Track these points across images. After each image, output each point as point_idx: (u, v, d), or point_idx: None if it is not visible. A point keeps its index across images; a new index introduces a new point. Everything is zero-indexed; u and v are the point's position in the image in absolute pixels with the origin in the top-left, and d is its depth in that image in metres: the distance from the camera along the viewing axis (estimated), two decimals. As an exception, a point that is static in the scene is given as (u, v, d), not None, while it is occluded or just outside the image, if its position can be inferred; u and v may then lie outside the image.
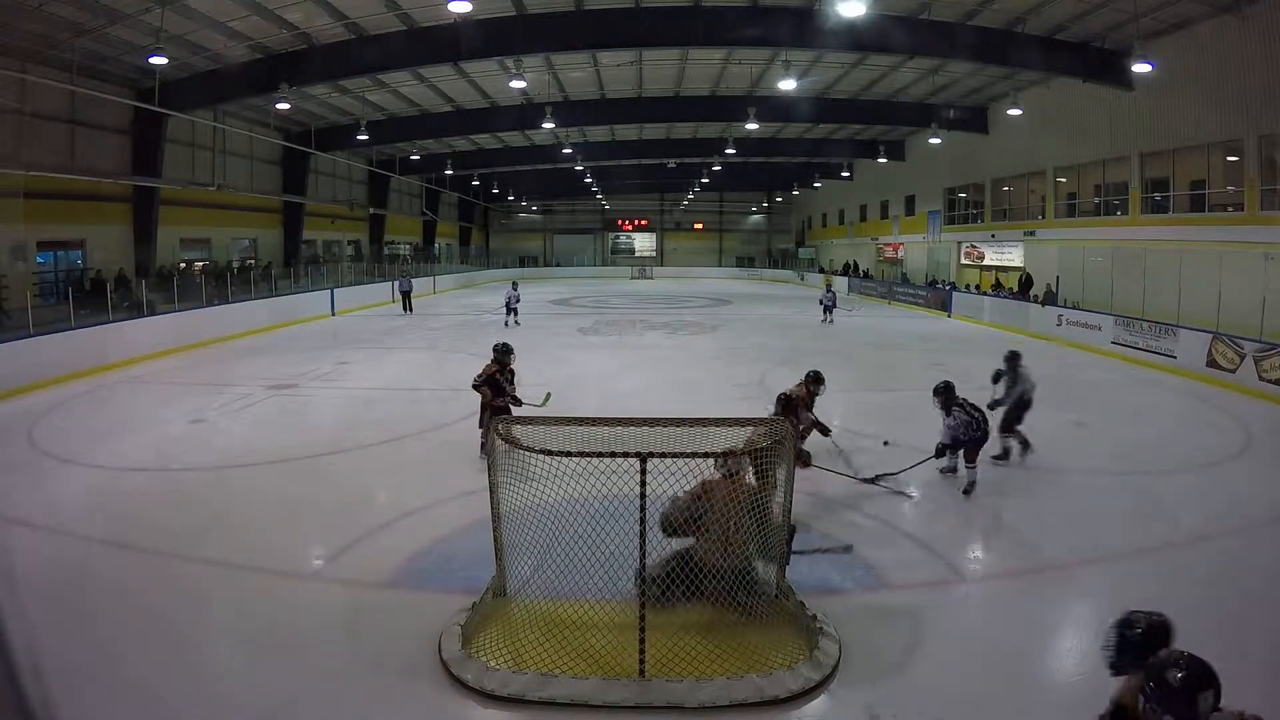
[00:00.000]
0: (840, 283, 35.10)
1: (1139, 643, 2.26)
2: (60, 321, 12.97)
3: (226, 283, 19.97)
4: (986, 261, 26.45)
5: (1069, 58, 16.63)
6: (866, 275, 34.18)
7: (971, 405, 6.85)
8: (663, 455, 4.01)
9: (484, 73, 20.61)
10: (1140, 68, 13.85)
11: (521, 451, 4.19)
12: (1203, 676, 2.05)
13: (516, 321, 20.19)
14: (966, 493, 6.76)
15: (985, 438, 6.79)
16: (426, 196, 39.30)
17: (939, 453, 7.04)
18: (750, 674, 3.82)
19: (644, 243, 52.31)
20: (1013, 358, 8.12)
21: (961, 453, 6.91)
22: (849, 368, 13.98)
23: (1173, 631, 2.17)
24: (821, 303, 21.57)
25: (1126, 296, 16.29)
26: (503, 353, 7.73)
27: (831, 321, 20.78)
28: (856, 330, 20.15)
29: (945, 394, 6.91)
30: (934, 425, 9.58)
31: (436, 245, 41.91)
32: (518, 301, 20.68)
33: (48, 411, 9.92)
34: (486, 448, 5.04)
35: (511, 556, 4.65)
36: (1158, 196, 17.66)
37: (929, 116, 23.09)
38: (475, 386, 7.51)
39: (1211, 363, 12.48)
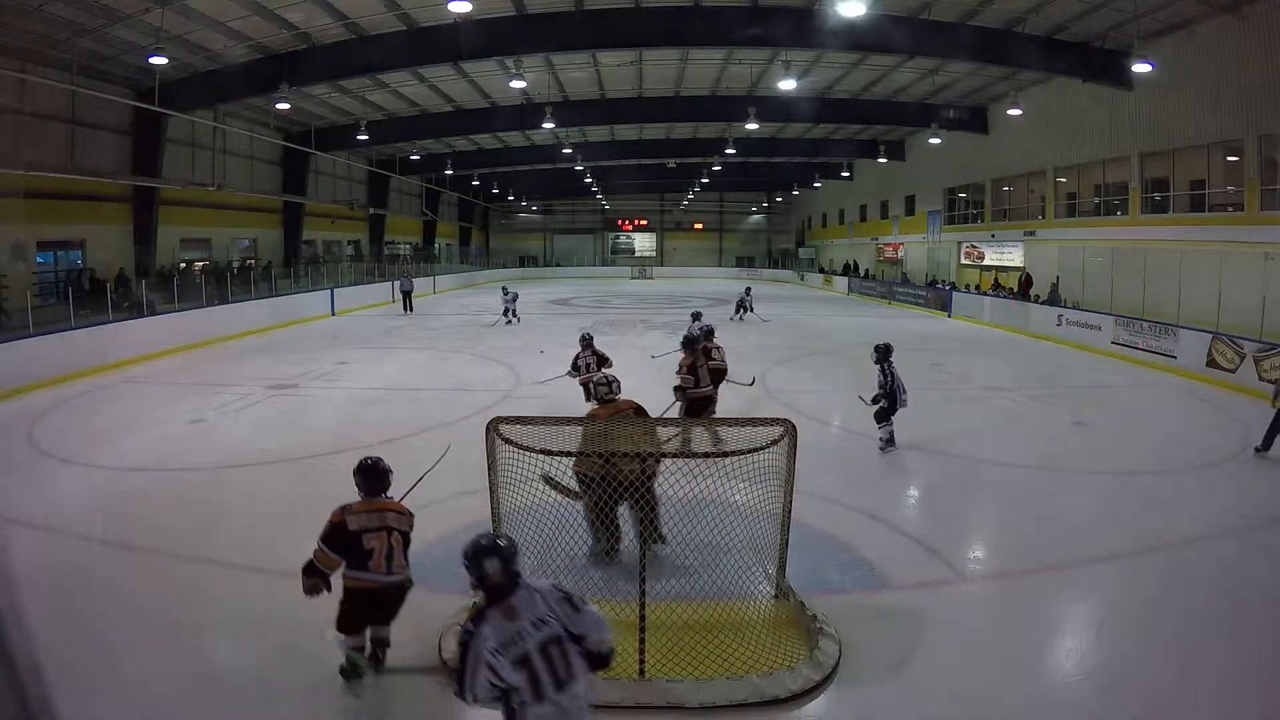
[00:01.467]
0: (840, 282, 35.19)
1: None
2: (60, 321, 12.96)
3: (226, 283, 19.95)
4: (986, 261, 26.45)
5: (1069, 58, 16.63)
6: (867, 275, 34.18)
7: (898, 376, 7.93)
8: (662, 455, 4.02)
9: (484, 73, 20.62)
10: (1140, 68, 13.85)
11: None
12: (486, 549, 2.65)
13: (517, 320, 20.42)
14: (883, 450, 8.01)
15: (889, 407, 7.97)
16: (426, 196, 39.30)
17: (875, 400, 8.09)
18: (750, 674, 3.82)
19: (644, 243, 52.32)
20: (697, 315, 11.17)
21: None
22: (848, 368, 13.98)
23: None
24: (740, 303, 22.22)
25: (1126, 296, 16.30)
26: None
27: (741, 319, 21.53)
28: (856, 330, 20.15)
29: (882, 353, 8.07)
30: (937, 425, 9.61)
31: (436, 245, 41.91)
32: (514, 301, 20.78)
33: (48, 411, 9.92)
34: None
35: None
36: (1158, 196, 17.66)
37: (929, 116, 23.08)
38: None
39: (1211, 363, 12.48)
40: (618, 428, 4.87)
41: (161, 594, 4.84)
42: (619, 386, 5.84)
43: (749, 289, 23.87)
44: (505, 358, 14.63)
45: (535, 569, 4.65)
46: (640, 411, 5.69)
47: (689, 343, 8.43)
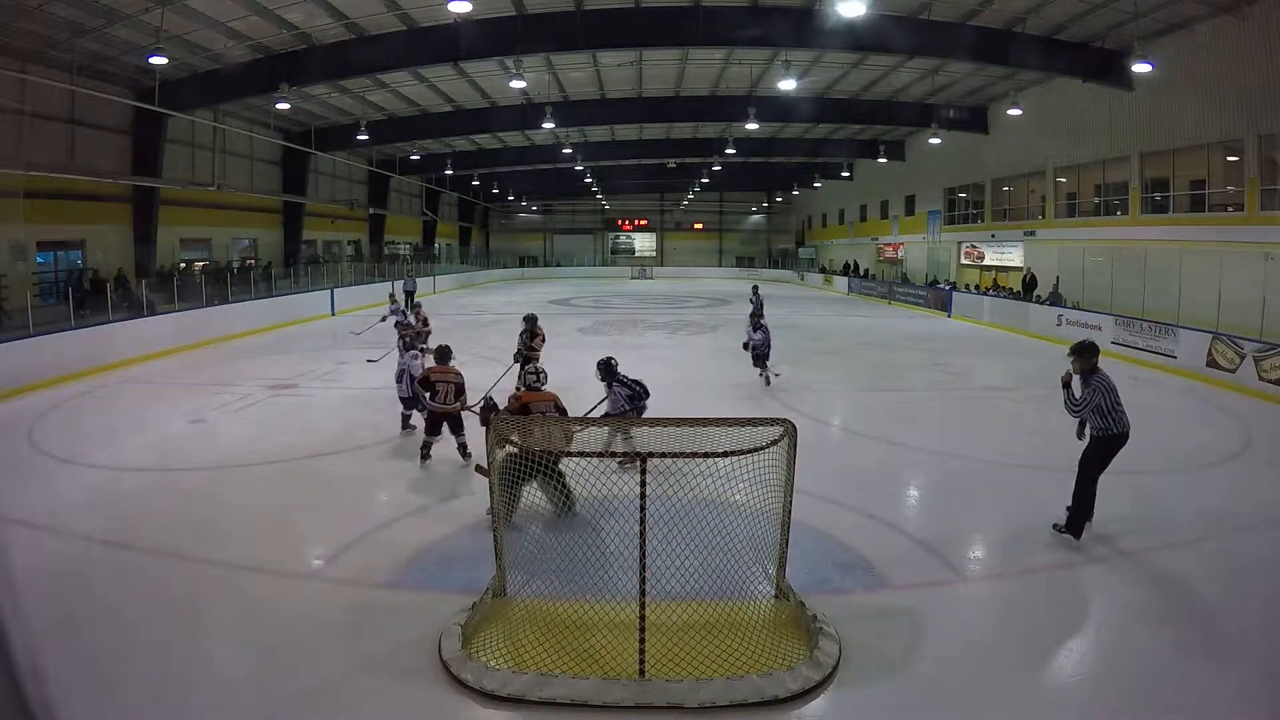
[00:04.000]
0: (840, 282, 35.21)
1: None
2: (60, 321, 12.96)
3: (226, 283, 19.96)
4: (986, 261, 26.46)
5: (1069, 58, 16.65)
6: (866, 275, 34.19)
7: (631, 380, 7.60)
8: (663, 455, 4.02)
9: (484, 73, 20.62)
10: (1140, 68, 13.86)
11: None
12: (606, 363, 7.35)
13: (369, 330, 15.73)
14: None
15: (644, 408, 7.49)
16: (426, 196, 39.31)
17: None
18: (750, 674, 3.82)
19: (644, 243, 52.32)
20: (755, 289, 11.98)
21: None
22: (848, 368, 14.00)
23: None
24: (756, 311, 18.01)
25: (1126, 296, 16.30)
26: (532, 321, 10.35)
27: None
28: (856, 331, 20.16)
29: (605, 371, 7.56)
30: (937, 425, 9.61)
31: (436, 245, 41.93)
32: (395, 312, 14.20)
33: (48, 411, 9.92)
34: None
35: (511, 556, 4.65)
36: (1158, 196, 17.66)
37: (929, 116, 23.09)
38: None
39: (1211, 363, 12.48)
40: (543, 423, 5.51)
41: (162, 594, 4.84)
42: (546, 377, 6.68)
43: (756, 287, 19.09)
44: (505, 358, 14.61)
45: (535, 567, 4.66)
46: (560, 404, 6.40)
47: (529, 320, 10.94)
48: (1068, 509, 5.69)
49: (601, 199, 47.81)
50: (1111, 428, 5.59)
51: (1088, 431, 5.79)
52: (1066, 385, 5.76)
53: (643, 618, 3.86)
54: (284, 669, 4.04)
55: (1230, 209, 15.47)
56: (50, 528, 5.86)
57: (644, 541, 3.95)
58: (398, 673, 3.96)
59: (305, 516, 6.33)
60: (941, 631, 4.42)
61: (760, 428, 4.26)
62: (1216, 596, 4.91)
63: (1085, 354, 5.75)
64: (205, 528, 5.92)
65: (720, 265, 49.42)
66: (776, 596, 4.61)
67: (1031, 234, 22.95)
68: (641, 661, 3.81)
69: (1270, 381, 11.22)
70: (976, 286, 25.21)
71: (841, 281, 35.08)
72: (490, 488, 4.56)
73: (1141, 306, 15.55)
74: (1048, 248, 21.90)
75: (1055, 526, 5.71)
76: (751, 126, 23.00)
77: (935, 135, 23.20)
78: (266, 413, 10.11)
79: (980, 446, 8.40)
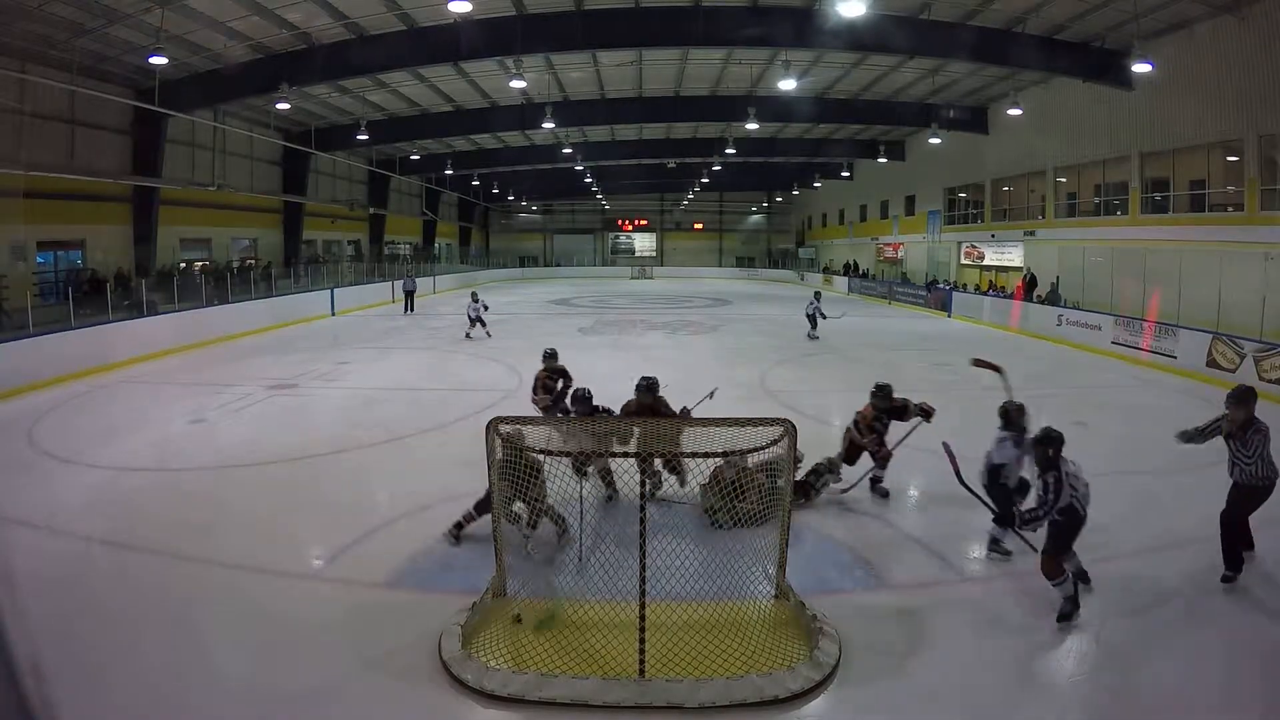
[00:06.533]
0: (840, 282, 35.17)
1: None
2: (60, 321, 12.96)
3: (226, 283, 19.96)
4: (986, 261, 26.47)
5: (1069, 58, 16.64)
6: (866, 275, 34.18)
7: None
8: (662, 455, 4.02)
9: (484, 73, 20.62)
10: (1140, 68, 13.85)
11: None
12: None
13: (487, 333, 17.81)
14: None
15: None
16: (426, 196, 39.30)
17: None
18: (750, 674, 3.82)
19: (644, 243, 52.34)
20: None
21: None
22: (849, 368, 13.99)
23: None
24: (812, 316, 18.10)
25: (1126, 296, 16.31)
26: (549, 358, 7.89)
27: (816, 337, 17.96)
28: (856, 331, 20.15)
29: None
30: (936, 425, 9.60)
31: (436, 245, 41.92)
32: (485, 310, 18.14)
33: (48, 411, 9.92)
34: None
35: (511, 556, 4.65)
36: (1158, 196, 17.66)
37: (929, 116, 23.08)
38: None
39: (1211, 363, 12.48)
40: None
41: (161, 594, 4.84)
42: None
43: (819, 294, 19.19)
44: (505, 358, 14.63)
45: (537, 567, 4.66)
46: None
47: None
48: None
49: (601, 199, 47.81)
50: (1268, 477, 5.01)
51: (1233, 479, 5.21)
52: (1230, 436, 5.06)
53: (643, 618, 3.86)
54: (284, 669, 4.04)
55: (1230, 209, 15.46)
56: (50, 528, 5.85)
57: (644, 541, 3.95)
58: (398, 673, 3.96)
59: (305, 516, 6.33)
60: (941, 631, 4.42)
61: (760, 428, 4.26)
62: (1216, 597, 4.90)
63: (1245, 401, 5.09)
64: (205, 528, 5.92)
65: (720, 265, 49.44)
66: (776, 596, 4.61)
67: (1031, 234, 22.95)
68: (641, 661, 3.81)
69: (1270, 381, 11.21)
70: (976, 287, 25.22)
71: (842, 281, 35.08)
72: (491, 486, 4.55)
73: (1142, 307, 15.55)
74: (1048, 248, 21.90)
75: (1224, 577, 5.02)
76: (751, 126, 22.98)
77: (935, 135, 23.19)
78: (266, 413, 10.10)
79: (980, 447, 8.36)
